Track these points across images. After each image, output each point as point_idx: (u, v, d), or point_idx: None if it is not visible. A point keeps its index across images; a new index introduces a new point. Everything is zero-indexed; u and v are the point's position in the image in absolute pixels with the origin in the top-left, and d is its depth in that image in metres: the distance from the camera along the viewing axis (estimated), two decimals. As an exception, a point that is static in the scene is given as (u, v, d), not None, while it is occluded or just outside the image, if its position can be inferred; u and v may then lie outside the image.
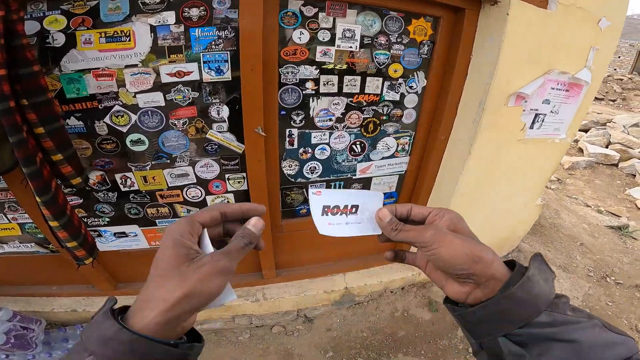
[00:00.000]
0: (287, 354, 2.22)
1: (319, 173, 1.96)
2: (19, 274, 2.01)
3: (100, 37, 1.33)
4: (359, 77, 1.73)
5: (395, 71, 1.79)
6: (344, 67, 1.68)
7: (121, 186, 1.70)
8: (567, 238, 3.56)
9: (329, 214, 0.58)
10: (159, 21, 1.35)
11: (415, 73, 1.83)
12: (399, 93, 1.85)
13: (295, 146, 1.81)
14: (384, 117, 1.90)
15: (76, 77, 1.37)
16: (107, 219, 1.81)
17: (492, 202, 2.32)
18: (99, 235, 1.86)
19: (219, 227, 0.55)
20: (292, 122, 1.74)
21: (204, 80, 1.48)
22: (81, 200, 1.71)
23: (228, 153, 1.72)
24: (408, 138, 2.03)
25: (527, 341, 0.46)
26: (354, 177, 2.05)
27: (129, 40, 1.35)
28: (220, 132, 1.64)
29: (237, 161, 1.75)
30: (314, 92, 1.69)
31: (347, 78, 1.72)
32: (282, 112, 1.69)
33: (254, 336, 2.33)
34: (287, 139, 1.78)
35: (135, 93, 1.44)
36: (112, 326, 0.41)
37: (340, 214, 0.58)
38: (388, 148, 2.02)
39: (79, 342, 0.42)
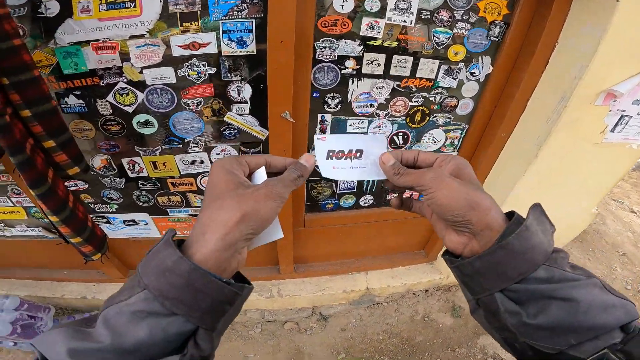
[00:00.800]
0: (297, 352, 2.12)
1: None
2: (29, 258, 1.94)
3: (101, 3, 1.09)
4: (410, 58, 1.42)
5: (456, 54, 1.46)
6: (394, 44, 1.38)
7: (129, 172, 1.52)
8: (610, 247, 3.25)
9: (334, 158, 0.58)
10: None
11: (480, 57, 1.50)
12: (457, 79, 1.53)
13: (328, 133, 1.55)
14: (435, 107, 1.60)
15: (73, 51, 1.15)
16: (116, 206, 1.66)
17: (546, 207, 2.01)
18: (108, 222, 1.72)
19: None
20: (325, 106, 1.48)
21: (222, 54, 1.23)
22: (87, 185, 1.56)
23: (249, 139, 1.49)
24: (459, 132, 1.72)
25: (524, 298, 0.44)
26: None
27: (134, 6, 1.10)
28: (240, 114, 1.40)
29: (260, 149, 1.53)
30: (354, 73, 1.40)
31: (396, 58, 1.41)
32: (315, 94, 1.43)
33: (265, 331, 2.23)
34: (319, 126, 1.53)
35: (142, 68, 1.21)
36: (172, 255, 0.39)
37: (345, 158, 0.58)
38: (435, 142, 1.73)
39: (133, 276, 0.41)
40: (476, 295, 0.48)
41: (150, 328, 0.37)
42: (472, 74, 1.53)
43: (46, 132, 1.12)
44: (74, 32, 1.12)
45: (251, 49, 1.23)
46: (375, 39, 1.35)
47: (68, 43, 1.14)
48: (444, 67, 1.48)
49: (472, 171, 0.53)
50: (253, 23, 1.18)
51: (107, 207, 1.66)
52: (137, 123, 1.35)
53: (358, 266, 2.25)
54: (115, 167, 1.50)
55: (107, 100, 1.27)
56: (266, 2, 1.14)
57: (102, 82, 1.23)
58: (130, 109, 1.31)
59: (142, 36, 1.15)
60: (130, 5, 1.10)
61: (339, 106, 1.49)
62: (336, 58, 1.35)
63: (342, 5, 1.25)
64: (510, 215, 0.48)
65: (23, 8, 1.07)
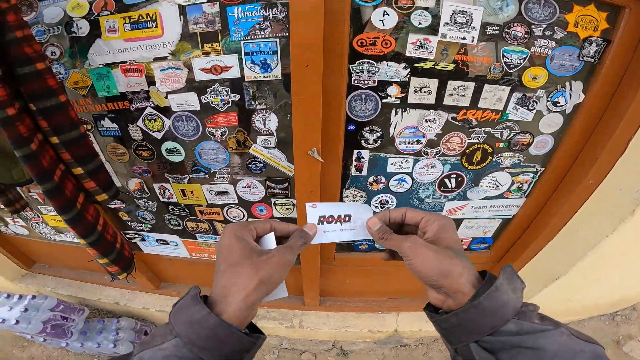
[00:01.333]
0: (311, 384, 1.70)
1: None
2: (76, 260, 1.87)
3: (125, 22, 0.92)
4: (471, 84, 1.01)
5: (534, 78, 1.00)
6: (450, 67, 0.98)
7: (160, 196, 1.34)
8: None
9: (325, 222, 0.55)
10: (189, 0, 0.87)
11: (567, 83, 1.01)
12: (533, 111, 1.05)
13: (364, 173, 1.19)
14: (501, 144, 1.13)
15: (105, 73, 1.00)
16: (149, 226, 1.49)
17: (635, 264, 1.38)
18: (143, 239, 1.56)
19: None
20: (363, 141, 1.11)
21: (246, 79, 0.96)
22: (124, 205, 1.42)
23: (276, 174, 1.20)
24: (531, 175, 1.21)
25: (497, 347, 0.41)
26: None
27: (156, 26, 0.91)
28: (266, 147, 1.12)
29: (287, 185, 1.22)
30: (398, 102, 1.03)
31: (452, 84, 1.01)
32: (351, 127, 1.08)
33: (281, 358, 1.87)
34: (354, 163, 1.17)
35: (167, 93, 1.02)
36: (201, 311, 0.40)
37: (335, 222, 0.56)
38: (497, 186, 1.24)
39: (165, 324, 0.42)
40: (454, 345, 0.46)
41: None
42: (555, 103, 1.05)
43: (74, 159, 0.97)
44: (104, 52, 0.96)
45: (276, 73, 0.95)
46: (425, 60, 0.98)
47: (100, 64, 0.98)
48: (516, 96, 1.03)
49: (454, 233, 0.50)
50: (277, 43, 0.91)
51: (142, 226, 1.50)
52: (165, 150, 1.16)
53: (390, 306, 1.77)
54: (148, 190, 1.33)
55: (137, 125, 1.10)
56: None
57: (132, 107, 1.06)
58: (158, 136, 1.11)
59: (165, 58, 0.95)
60: (152, 25, 0.90)
61: (379, 141, 1.11)
62: (376, 84, 0.99)
63: (382, 20, 0.92)
64: (484, 274, 0.45)
65: (58, 27, 0.95)
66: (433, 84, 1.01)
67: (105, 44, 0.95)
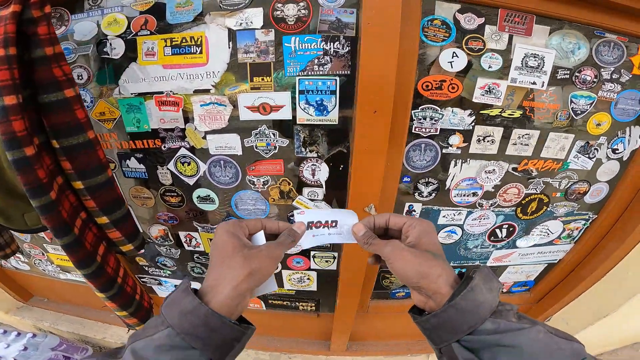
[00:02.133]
0: None
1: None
2: (80, 297, 1.45)
3: (166, 45, 0.64)
4: (536, 132, 0.75)
5: (598, 125, 0.77)
6: (517, 114, 0.74)
7: (185, 245, 0.98)
8: None
9: (313, 227, 0.48)
10: (241, 23, 0.60)
11: (628, 129, 0.78)
12: (594, 159, 0.81)
13: (413, 223, 0.90)
14: (558, 194, 0.86)
15: (136, 104, 0.71)
16: (169, 272, 1.12)
17: None
18: (159, 284, 1.18)
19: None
20: (417, 194, 0.82)
21: (297, 121, 0.69)
22: (143, 250, 1.06)
23: None
24: (583, 222, 0.94)
25: (477, 346, 0.36)
26: (482, 265, 1.04)
27: (200, 52, 0.63)
28: (312, 199, 0.81)
29: None
30: (459, 152, 0.77)
31: (517, 133, 0.75)
32: (406, 179, 0.80)
33: None
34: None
35: (206, 133, 0.72)
36: (192, 301, 0.34)
37: (322, 227, 0.49)
38: (548, 234, 0.95)
39: (156, 317, 0.36)
40: (437, 345, 0.39)
41: (171, 359, 0.33)
42: (614, 150, 0.80)
43: (99, 207, 0.65)
44: (138, 79, 0.67)
45: (332, 117, 0.67)
46: (491, 107, 0.74)
47: (132, 94, 0.69)
48: (579, 144, 0.78)
49: (435, 237, 0.43)
50: (337, 82, 0.65)
51: (160, 272, 1.13)
52: (197, 198, 0.83)
53: (419, 348, 1.40)
54: (172, 238, 0.98)
55: (168, 168, 0.79)
56: (355, 55, 0.61)
57: (164, 146, 0.75)
58: (191, 181, 0.80)
59: (207, 91, 0.67)
60: (196, 51, 0.63)
61: (434, 194, 0.83)
62: (438, 132, 0.74)
63: (451, 62, 0.67)
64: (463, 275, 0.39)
65: (88, 46, 0.67)
66: (497, 132, 0.75)
67: (140, 69, 0.66)
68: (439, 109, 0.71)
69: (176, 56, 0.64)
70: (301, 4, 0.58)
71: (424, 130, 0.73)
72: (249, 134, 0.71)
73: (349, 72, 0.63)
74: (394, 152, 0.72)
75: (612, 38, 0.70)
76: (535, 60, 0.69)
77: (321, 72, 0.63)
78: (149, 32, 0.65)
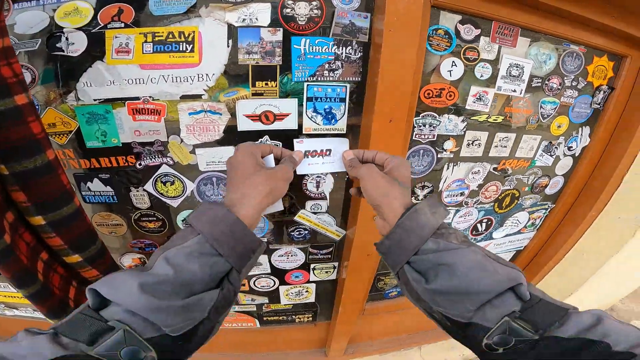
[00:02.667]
0: None
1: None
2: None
3: (145, 41, 0.50)
4: (513, 135, 0.82)
5: (559, 127, 0.86)
6: (500, 119, 0.79)
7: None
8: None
9: (309, 156, 0.52)
10: (244, 19, 0.51)
11: (580, 129, 0.90)
12: (554, 156, 0.92)
13: (411, 225, 0.91)
14: (526, 188, 0.96)
15: (101, 112, 0.55)
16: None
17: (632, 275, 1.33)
18: None
19: None
20: (413, 197, 0.83)
21: (303, 131, 0.62)
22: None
23: (321, 240, 0.83)
24: (543, 211, 1.06)
25: (423, 267, 0.37)
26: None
27: (192, 50, 0.52)
28: (315, 213, 0.75)
29: (331, 249, 0.85)
30: (452, 156, 0.79)
31: (499, 136, 0.81)
32: None
33: None
34: None
35: (195, 147, 0.60)
36: (222, 209, 0.37)
37: (317, 156, 0.52)
38: (517, 224, 1.06)
39: (181, 231, 0.38)
40: (395, 270, 0.41)
41: (201, 265, 0.34)
42: (569, 148, 0.92)
43: (69, 245, 0.50)
44: (105, 82, 0.52)
45: (340, 125, 0.62)
46: (479, 113, 0.77)
47: (95, 100, 0.53)
48: (544, 144, 0.87)
49: (406, 171, 0.47)
50: (347, 89, 0.60)
51: None
52: (182, 221, 0.70)
53: (411, 342, 1.45)
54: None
55: (144, 190, 0.65)
56: (366, 61, 0.57)
57: (140, 164, 0.61)
58: (175, 203, 0.66)
59: (198, 97, 0.55)
60: (187, 49, 0.51)
61: (427, 196, 0.84)
62: (435, 138, 0.74)
63: (450, 71, 0.68)
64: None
65: (35, 40, 0.49)
66: (484, 136, 0.79)
67: (109, 69, 0.51)
68: (438, 116, 0.72)
69: (159, 54, 0.51)
70: (314, 3, 0.51)
71: (423, 137, 0.73)
72: (248, 146, 0.62)
73: (359, 79, 0.59)
74: None
75: (574, 49, 0.78)
76: (517, 69, 0.74)
77: (331, 78, 0.57)
78: (123, 25, 0.50)
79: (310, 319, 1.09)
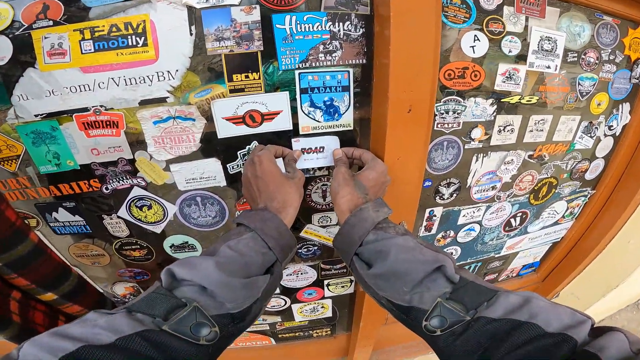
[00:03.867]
0: None
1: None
2: None
3: (83, 39, 0.36)
4: (550, 117, 0.65)
5: (599, 104, 0.69)
6: (534, 99, 0.62)
7: (145, 291, 0.72)
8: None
9: (305, 153, 0.50)
10: None
11: (620, 106, 0.72)
12: (594, 137, 0.74)
13: (434, 231, 0.73)
14: (565, 175, 0.79)
15: (47, 131, 0.42)
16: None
17: None
18: None
19: None
20: (438, 197, 0.67)
21: (300, 131, 0.47)
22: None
23: (334, 255, 0.68)
24: (582, 199, 0.88)
25: (368, 257, 0.40)
26: (496, 256, 0.91)
27: (144, 43, 0.37)
28: (324, 226, 0.60)
29: (344, 264, 0.72)
30: (480, 146, 0.62)
31: (534, 119, 0.64)
32: (427, 183, 0.63)
33: None
34: (424, 223, 0.70)
35: (168, 162, 0.46)
36: (269, 213, 0.40)
37: (312, 152, 0.50)
38: (554, 215, 0.88)
39: (237, 227, 0.40)
40: (347, 262, 0.43)
41: (255, 253, 0.37)
42: (610, 127, 0.74)
43: (37, 284, 0.41)
44: (42, 93, 0.39)
45: (346, 120, 0.48)
46: (511, 94, 0.61)
47: (37, 116, 0.40)
48: (583, 124, 0.70)
49: (372, 175, 0.45)
50: (350, 75, 0.46)
51: None
52: (170, 247, 0.57)
53: None
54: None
55: (119, 217, 0.52)
56: (371, 38, 0.42)
57: (106, 188, 0.47)
58: (157, 229, 0.53)
59: (162, 101, 0.41)
60: (137, 42, 0.37)
61: (455, 195, 0.68)
62: (460, 126, 0.58)
63: (473, 47, 0.53)
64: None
65: None
66: (517, 120, 0.63)
67: (44, 77, 0.38)
68: (462, 101, 0.56)
69: (103, 53, 0.37)
70: (297, -37, 0.37)
71: (446, 125, 0.57)
72: (233, 157, 0.48)
73: (364, 61, 0.44)
74: (417, 154, 0.54)
75: (608, 20, 0.62)
76: (549, 43, 0.58)
77: (329, 63, 0.43)
78: (52, 23, 0.37)
79: (329, 332, 0.96)
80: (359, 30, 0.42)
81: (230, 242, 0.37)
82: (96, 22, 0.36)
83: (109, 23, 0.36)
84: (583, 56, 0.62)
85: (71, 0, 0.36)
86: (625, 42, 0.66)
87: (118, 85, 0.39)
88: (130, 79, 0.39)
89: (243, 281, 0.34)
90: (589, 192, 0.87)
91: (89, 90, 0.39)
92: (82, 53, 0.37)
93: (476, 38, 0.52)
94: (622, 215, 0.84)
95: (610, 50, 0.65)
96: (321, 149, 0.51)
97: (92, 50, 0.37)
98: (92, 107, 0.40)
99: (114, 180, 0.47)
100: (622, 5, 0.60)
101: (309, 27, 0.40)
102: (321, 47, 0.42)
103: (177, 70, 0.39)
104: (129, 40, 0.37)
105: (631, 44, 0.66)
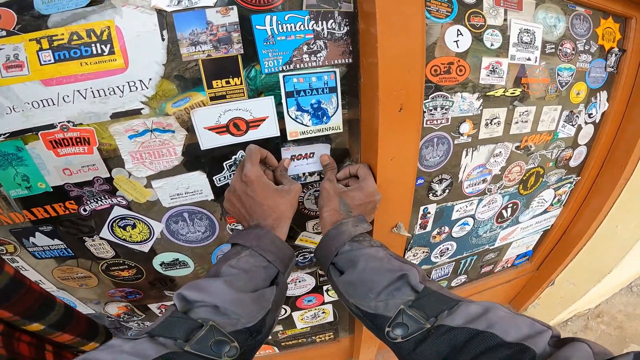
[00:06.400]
0: None
1: (450, 254, 0.81)
2: None
3: (41, 49, 0.31)
4: (533, 108, 0.63)
5: (578, 94, 0.67)
6: (517, 92, 0.60)
7: (162, 315, 0.67)
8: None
9: (295, 160, 0.47)
10: (179, 1, 0.31)
11: (597, 94, 0.71)
12: (576, 125, 0.72)
13: (429, 229, 0.70)
14: (550, 164, 0.76)
15: (12, 151, 0.36)
16: None
17: None
18: None
19: None
20: (431, 194, 0.63)
21: (288, 137, 0.43)
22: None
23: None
24: (568, 186, 0.86)
25: (340, 265, 0.40)
26: (490, 248, 0.89)
27: (111, 51, 0.32)
28: (320, 232, 0.56)
29: None
30: (470, 140, 0.59)
31: (518, 111, 0.61)
32: (419, 181, 0.59)
33: None
34: (419, 221, 0.67)
35: (149, 178, 0.41)
36: (262, 230, 0.39)
37: (302, 159, 0.48)
38: (543, 203, 0.86)
39: (232, 248, 0.39)
40: (325, 272, 0.43)
41: (257, 267, 0.37)
42: (589, 115, 0.72)
43: (20, 316, 0.35)
44: (2, 110, 0.33)
45: (335, 122, 0.43)
46: (495, 87, 0.58)
47: (0, 135, 0.35)
48: (565, 114, 0.68)
49: (358, 195, 0.44)
50: (336, 75, 0.42)
51: None
52: (160, 265, 0.51)
53: None
54: (141, 312, 0.62)
55: (101, 238, 0.46)
56: (356, 37, 0.39)
57: (83, 209, 0.42)
58: (145, 247, 0.47)
59: (137, 113, 0.36)
60: (103, 50, 0.32)
61: (447, 190, 0.64)
62: (449, 122, 0.55)
63: (456, 41, 0.50)
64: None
65: None
66: (502, 113, 0.60)
67: (2, 93, 0.32)
68: (449, 96, 0.53)
69: (65, 63, 0.32)
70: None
71: (435, 122, 0.54)
72: (219, 168, 0.43)
73: (350, 60, 0.40)
74: (408, 152, 0.50)
75: (580, 11, 0.60)
76: (528, 35, 0.55)
77: (314, 64, 0.38)
78: (4, 33, 0.32)
79: (332, 336, 0.90)
80: (343, 29, 0.38)
81: (231, 262, 0.36)
82: (54, 30, 0.31)
83: (68, 31, 0.31)
84: (560, 47, 0.60)
85: (24, 8, 0.30)
86: (598, 32, 0.64)
87: (85, 98, 0.34)
88: (98, 91, 0.34)
89: (252, 295, 0.34)
90: (574, 179, 0.85)
91: (53, 104, 0.33)
92: (41, 64, 0.32)
93: (459, 32, 0.49)
94: (608, 200, 0.82)
95: (584, 41, 0.63)
96: (311, 155, 0.48)
97: (52, 61, 0.32)
98: (59, 123, 0.35)
99: (92, 200, 0.41)
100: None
101: (291, 27, 0.36)
102: (305, 47, 0.38)
103: (150, 79, 0.34)
104: (93, 48, 0.32)
105: (604, 34, 0.65)
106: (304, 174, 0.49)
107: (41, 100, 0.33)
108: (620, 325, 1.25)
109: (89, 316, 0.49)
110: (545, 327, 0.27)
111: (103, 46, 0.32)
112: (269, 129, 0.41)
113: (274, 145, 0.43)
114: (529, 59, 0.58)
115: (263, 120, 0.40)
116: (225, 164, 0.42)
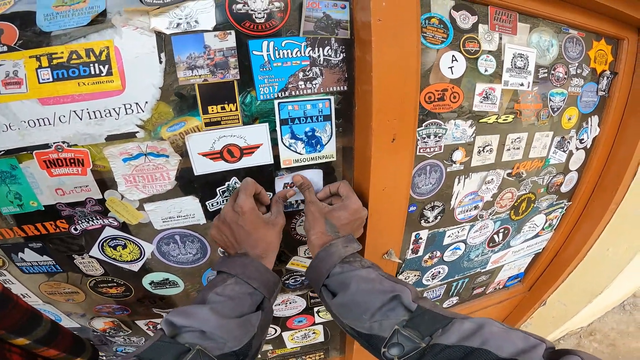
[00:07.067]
0: None
1: (442, 277, 0.80)
2: None
3: (40, 66, 0.31)
4: (525, 135, 0.63)
5: (569, 119, 0.67)
6: (510, 118, 0.60)
7: (149, 332, 0.62)
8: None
9: (288, 187, 0.46)
10: (179, 23, 0.31)
11: (589, 119, 0.71)
12: (567, 152, 0.73)
13: (420, 253, 0.68)
14: (542, 190, 0.76)
15: (6, 169, 0.35)
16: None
17: None
18: None
19: None
20: (423, 220, 0.63)
21: (282, 164, 0.43)
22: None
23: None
24: (560, 211, 0.86)
25: (332, 287, 0.40)
26: (482, 270, 0.87)
27: (109, 72, 0.32)
28: (310, 257, 0.52)
29: None
30: (462, 168, 0.59)
31: (510, 137, 0.62)
32: (412, 208, 0.59)
33: None
34: (411, 247, 0.66)
35: (142, 202, 0.40)
36: (248, 258, 0.40)
37: (294, 186, 0.46)
38: (534, 228, 0.85)
39: (217, 275, 0.40)
40: (317, 293, 0.43)
41: (243, 294, 0.37)
42: (581, 140, 0.72)
43: (6, 330, 0.33)
44: None
45: (329, 150, 0.43)
46: (488, 114, 0.59)
47: None
48: (556, 140, 0.69)
49: (344, 215, 0.43)
50: (331, 103, 0.42)
51: None
52: (150, 284, 0.50)
53: None
54: (128, 328, 0.61)
55: (91, 257, 0.45)
56: (352, 64, 0.39)
57: (74, 229, 0.41)
58: (135, 267, 0.46)
59: (132, 136, 0.35)
60: (101, 71, 0.32)
61: (439, 217, 0.64)
62: (442, 150, 0.55)
63: (451, 67, 0.50)
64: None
65: None
66: (495, 140, 0.60)
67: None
68: (443, 124, 0.54)
69: (63, 82, 0.32)
70: (273, -9, 0.33)
71: (429, 150, 0.54)
72: (212, 194, 0.42)
73: (345, 88, 0.40)
74: (401, 182, 0.50)
75: (574, 34, 0.61)
76: (521, 60, 0.56)
77: (309, 91, 0.39)
78: (6, 48, 0.32)
79: (322, 356, 0.88)
80: (340, 55, 0.39)
81: (217, 289, 0.37)
82: (54, 48, 0.31)
83: (68, 49, 0.31)
84: (552, 71, 0.60)
85: (27, 24, 0.30)
86: (590, 54, 0.64)
87: (81, 119, 0.33)
88: (94, 112, 0.33)
89: (237, 321, 0.35)
90: (565, 204, 0.85)
91: (49, 124, 0.33)
92: (39, 82, 0.32)
93: (454, 58, 0.50)
94: (599, 225, 0.82)
95: (577, 64, 0.63)
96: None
97: (51, 80, 0.32)
98: (54, 143, 0.34)
99: (83, 220, 0.40)
100: (584, 16, 0.58)
101: (288, 53, 0.36)
102: (301, 74, 0.38)
103: (146, 102, 0.34)
104: (92, 68, 0.32)
105: (596, 57, 0.65)
106: (296, 201, 0.48)
107: (37, 119, 0.33)
108: (613, 343, 1.23)
109: (74, 331, 0.48)
110: (539, 341, 0.27)
111: (101, 66, 0.32)
112: (263, 157, 0.41)
113: (268, 172, 0.43)
114: (522, 84, 0.58)
115: (257, 147, 0.40)
116: (219, 190, 0.42)
